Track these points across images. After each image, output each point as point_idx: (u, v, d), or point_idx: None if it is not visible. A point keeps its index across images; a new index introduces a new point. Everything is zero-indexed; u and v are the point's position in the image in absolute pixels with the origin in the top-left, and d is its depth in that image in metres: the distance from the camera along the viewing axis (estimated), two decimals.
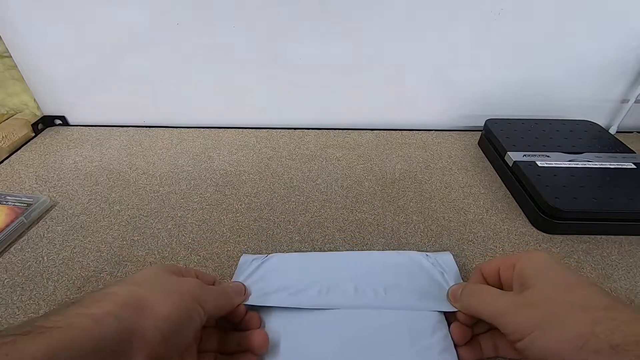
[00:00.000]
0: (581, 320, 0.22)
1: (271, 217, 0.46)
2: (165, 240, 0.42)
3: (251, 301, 0.32)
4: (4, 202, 0.45)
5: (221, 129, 0.66)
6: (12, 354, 0.18)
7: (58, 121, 0.67)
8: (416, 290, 0.33)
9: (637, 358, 0.20)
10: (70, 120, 0.68)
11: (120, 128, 0.66)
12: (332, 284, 0.33)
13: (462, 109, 0.66)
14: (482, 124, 0.60)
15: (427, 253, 0.38)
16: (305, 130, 0.66)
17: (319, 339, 0.29)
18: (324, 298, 0.32)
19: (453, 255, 0.38)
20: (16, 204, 0.45)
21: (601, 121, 0.61)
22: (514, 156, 0.50)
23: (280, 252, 0.41)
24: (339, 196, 0.49)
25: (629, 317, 0.22)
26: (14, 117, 0.64)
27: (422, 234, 0.43)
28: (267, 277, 0.35)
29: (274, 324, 0.31)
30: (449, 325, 0.31)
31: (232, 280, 0.35)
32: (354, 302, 0.31)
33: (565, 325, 0.22)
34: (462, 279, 0.35)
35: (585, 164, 0.49)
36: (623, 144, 0.53)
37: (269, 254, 0.38)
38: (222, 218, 0.45)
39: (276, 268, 0.36)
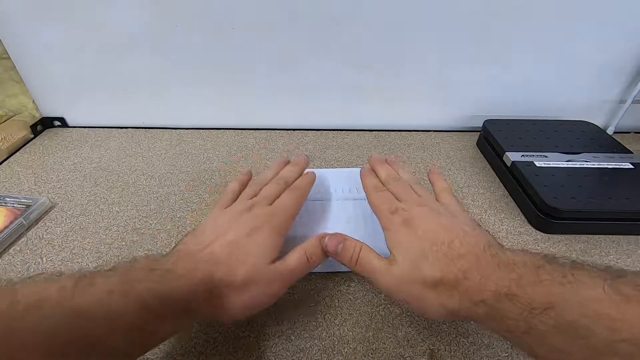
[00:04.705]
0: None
1: None
2: (165, 241, 0.42)
3: None
4: (3, 204, 0.45)
5: (220, 130, 0.66)
6: (161, 286, 0.24)
7: (57, 123, 0.67)
8: None
9: None
10: (69, 122, 0.68)
11: (119, 129, 0.66)
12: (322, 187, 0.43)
13: (461, 109, 0.66)
14: (481, 125, 0.60)
15: None
16: (305, 132, 0.66)
17: (313, 220, 0.39)
18: (315, 194, 0.41)
19: None
20: (15, 205, 0.45)
21: (599, 121, 0.62)
22: (512, 156, 0.50)
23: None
24: None
25: None
26: (12, 118, 0.64)
27: None
28: None
29: None
30: None
31: None
32: (337, 195, 0.42)
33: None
34: None
35: (583, 164, 0.49)
36: (620, 144, 0.54)
37: None
38: None
39: None
